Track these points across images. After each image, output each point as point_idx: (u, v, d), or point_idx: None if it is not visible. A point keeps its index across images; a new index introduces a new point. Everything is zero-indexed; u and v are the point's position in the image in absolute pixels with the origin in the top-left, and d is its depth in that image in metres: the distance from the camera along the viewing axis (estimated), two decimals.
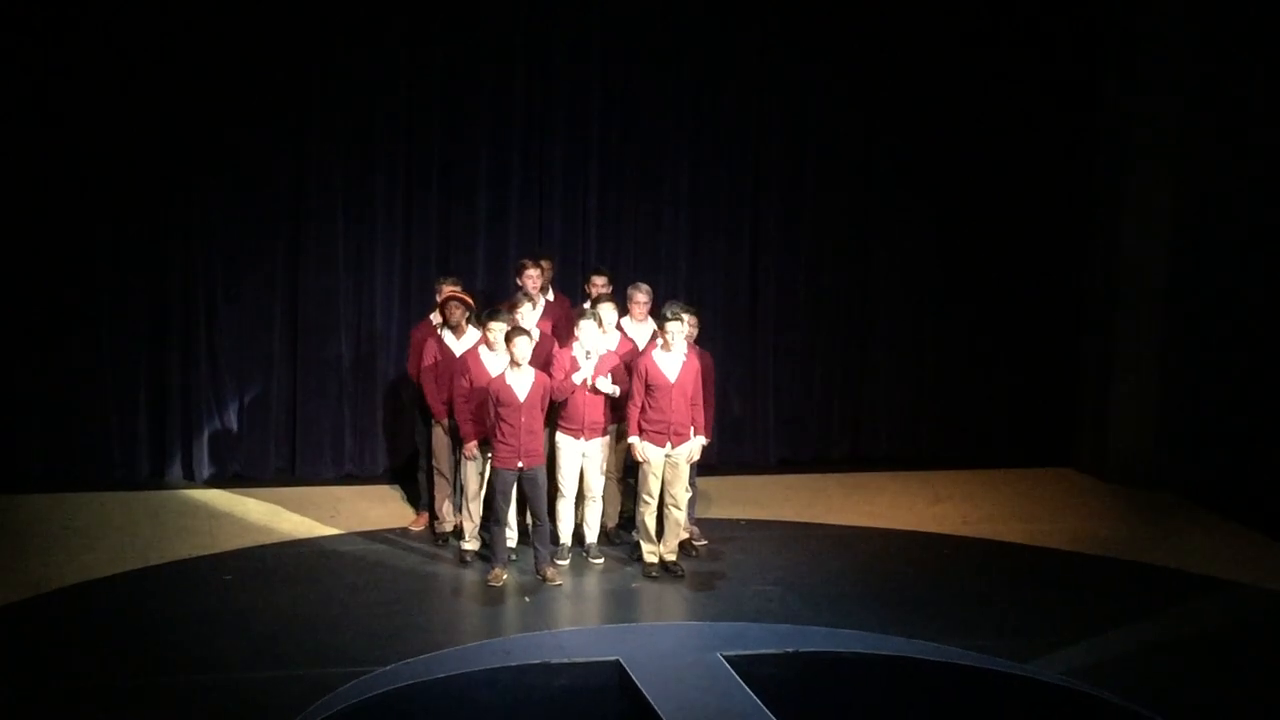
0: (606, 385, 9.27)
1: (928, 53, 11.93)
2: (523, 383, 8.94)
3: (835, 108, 11.94)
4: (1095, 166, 12.05)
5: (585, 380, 9.20)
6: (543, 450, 9.11)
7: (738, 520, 10.50)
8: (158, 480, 10.98)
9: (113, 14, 10.49)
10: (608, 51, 11.51)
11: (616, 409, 9.42)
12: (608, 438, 9.48)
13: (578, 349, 9.26)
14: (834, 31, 11.84)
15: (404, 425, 11.03)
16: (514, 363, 8.93)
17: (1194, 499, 11.33)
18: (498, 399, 8.90)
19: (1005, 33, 12.01)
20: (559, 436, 9.30)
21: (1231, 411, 11.60)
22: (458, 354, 9.53)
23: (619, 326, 9.66)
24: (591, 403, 9.27)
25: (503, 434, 8.91)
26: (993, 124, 12.08)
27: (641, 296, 9.81)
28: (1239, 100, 11.42)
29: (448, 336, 9.68)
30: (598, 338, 9.29)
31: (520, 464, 8.93)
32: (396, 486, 11.04)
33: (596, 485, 9.47)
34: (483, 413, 9.08)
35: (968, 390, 12.37)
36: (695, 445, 9.31)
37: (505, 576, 9.05)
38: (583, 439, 9.30)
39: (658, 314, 9.43)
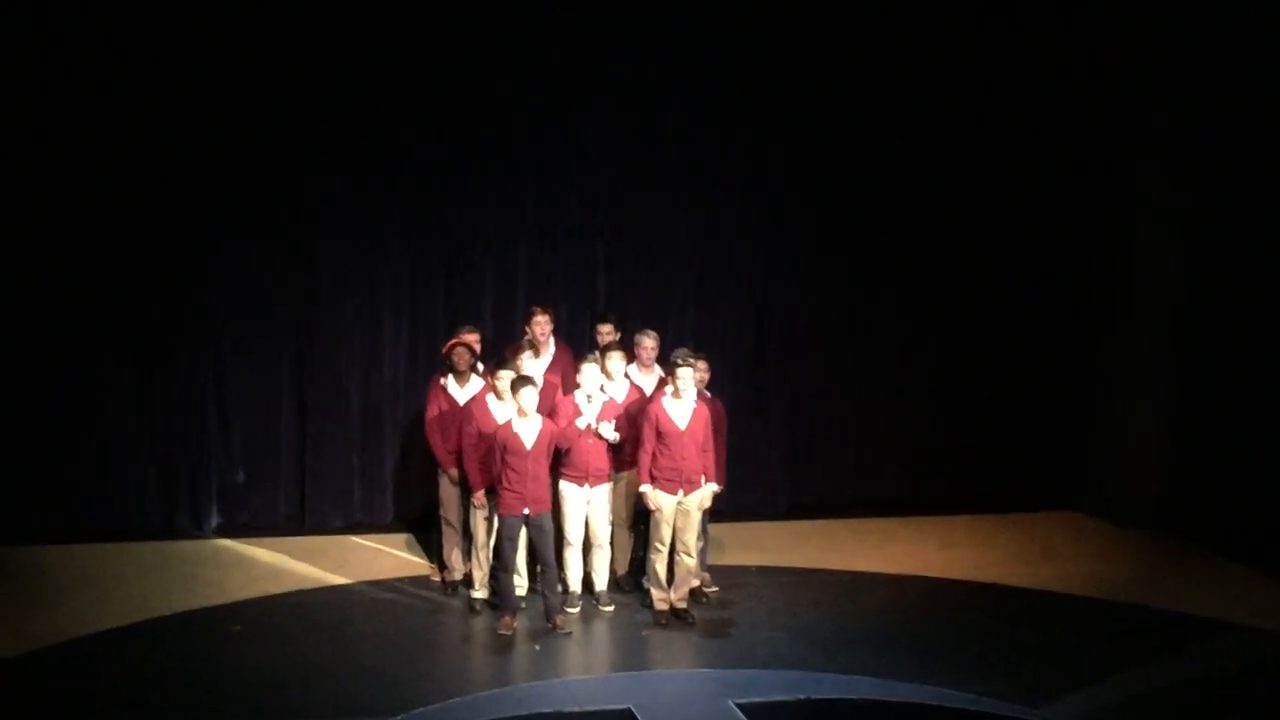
0: (609, 432, 9.27)
1: (932, 90, 12.03)
2: (530, 430, 8.95)
3: (835, 142, 11.96)
4: (1100, 208, 12.11)
5: (590, 425, 9.21)
6: (548, 497, 9.10)
7: (748, 566, 10.48)
8: (166, 530, 10.96)
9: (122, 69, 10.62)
10: (610, 101, 11.56)
11: (619, 454, 9.42)
12: (611, 484, 9.47)
13: (579, 395, 9.28)
14: (837, 69, 11.91)
15: (413, 474, 11.03)
16: (521, 412, 8.96)
17: (1201, 542, 11.29)
18: (505, 446, 8.91)
19: (1009, 58, 12.10)
20: (563, 485, 9.30)
21: (1239, 455, 11.56)
22: (462, 402, 9.54)
23: (626, 375, 9.65)
24: (595, 449, 9.28)
25: (509, 481, 8.92)
26: (994, 159, 12.15)
27: (649, 342, 9.77)
28: (1244, 120, 11.27)
29: (452, 385, 9.67)
30: (600, 382, 9.30)
31: (526, 510, 8.94)
32: (406, 535, 11.02)
33: (603, 532, 9.46)
34: (490, 460, 9.09)
35: (974, 435, 12.36)
36: (707, 492, 9.30)
37: (515, 624, 9.03)
38: (587, 486, 9.30)
39: (665, 361, 9.45)
